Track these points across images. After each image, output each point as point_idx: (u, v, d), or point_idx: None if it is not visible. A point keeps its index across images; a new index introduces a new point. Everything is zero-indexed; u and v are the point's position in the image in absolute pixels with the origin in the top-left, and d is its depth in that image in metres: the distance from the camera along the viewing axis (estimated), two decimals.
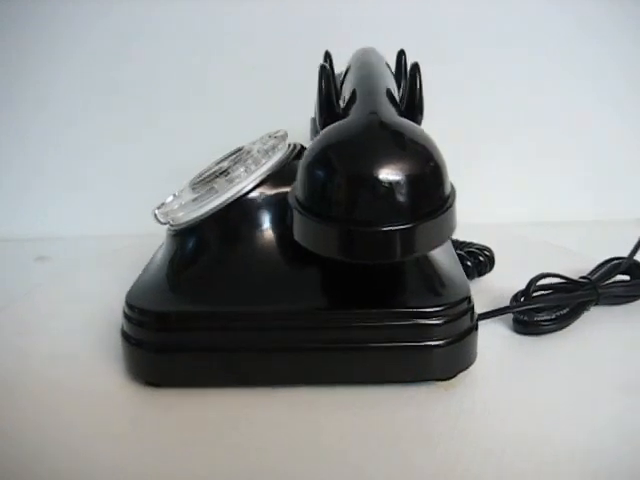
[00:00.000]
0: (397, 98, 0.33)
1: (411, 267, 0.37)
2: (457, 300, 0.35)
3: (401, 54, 0.40)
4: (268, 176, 0.37)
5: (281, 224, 0.36)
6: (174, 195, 0.39)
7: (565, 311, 0.40)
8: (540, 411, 0.34)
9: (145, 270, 0.39)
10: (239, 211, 0.37)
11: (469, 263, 0.46)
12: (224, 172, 0.37)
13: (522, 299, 0.41)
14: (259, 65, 0.60)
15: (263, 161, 0.37)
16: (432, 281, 0.36)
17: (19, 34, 0.59)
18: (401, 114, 0.31)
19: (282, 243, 0.36)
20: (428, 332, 0.34)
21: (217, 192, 0.36)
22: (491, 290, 0.45)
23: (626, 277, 0.44)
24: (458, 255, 0.46)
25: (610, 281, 0.43)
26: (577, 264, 0.46)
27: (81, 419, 0.34)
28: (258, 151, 0.38)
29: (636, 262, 0.44)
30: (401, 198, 0.28)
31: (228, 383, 0.36)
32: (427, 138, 0.30)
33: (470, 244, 0.49)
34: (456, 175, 0.51)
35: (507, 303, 0.42)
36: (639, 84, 0.62)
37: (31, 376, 0.38)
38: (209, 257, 0.38)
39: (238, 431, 0.33)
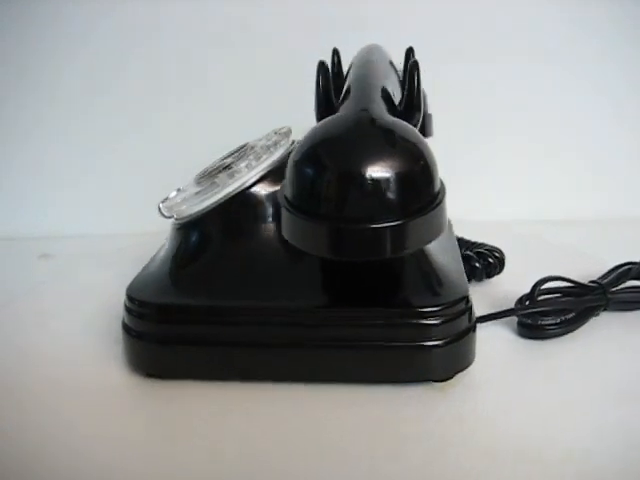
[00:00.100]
0: (396, 96, 0.33)
1: (410, 266, 0.36)
2: (454, 300, 0.35)
3: (409, 52, 0.39)
4: (269, 172, 0.37)
5: None
6: (178, 189, 0.39)
7: (571, 315, 0.39)
8: (536, 416, 0.33)
9: (148, 264, 0.40)
10: (240, 205, 0.37)
11: (477, 264, 0.45)
12: (227, 167, 0.38)
13: (527, 302, 0.40)
14: (266, 61, 0.60)
15: (264, 157, 0.37)
16: (430, 280, 0.36)
17: (21, 34, 0.60)
18: (395, 112, 0.31)
19: (283, 238, 0.36)
20: (424, 331, 0.34)
21: (218, 186, 0.37)
22: (499, 292, 0.45)
23: (638, 282, 0.43)
24: (466, 256, 0.46)
25: (621, 286, 0.42)
26: (590, 266, 0.45)
27: (81, 410, 0.35)
28: (261, 147, 0.38)
29: None
30: (389, 195, 0.28)
31: (227, 377, 0.36)
32: (416, 135, 0.29)
33: (480, 245, 0.49)
34: (456, 174, 0.51)
35: (513, 306, 0.41)
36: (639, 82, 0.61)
37: (33, 369, 0.39)
38: (211, 250, 0.38)
39: (236, 425, 0.33)
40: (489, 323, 0.40)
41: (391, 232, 0.29)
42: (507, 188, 0.63)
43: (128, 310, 0.37)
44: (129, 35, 0.60)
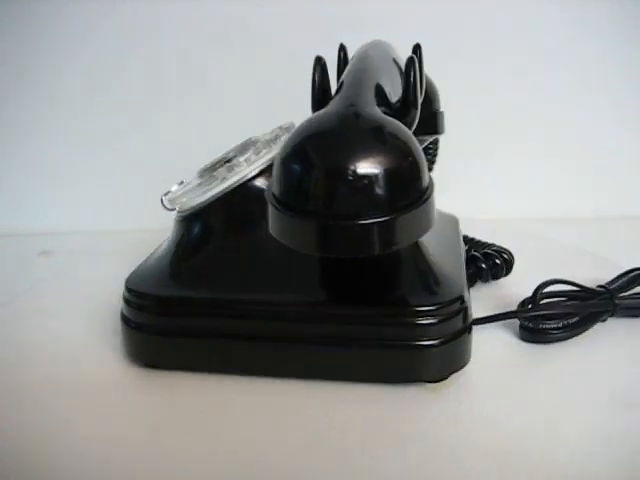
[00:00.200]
0: (394, 93, 0.33)
1: (407, 264, 0.36)
2: (449, 300, 0.34)
3: (416, 49, 0.39)
4: (269, 166, 0.37)
5: None
6: (181, 182, 0.40)
7: (574, 320, 0.38)
8: (531, 419, 0.32)
9: (148, 257, 0.40)
10: (241, 198, 0.38)
11: (483, 265, 0.44)
12: (228, 161, 0.38)
13: (529, 305, 0.39)
14: (266, 61, 0.60)
15: (264, 151, 0.37)
16: (426, 279, 0.36)
17: (21, 34, 0.60)
18: (389, 108, 0.31)
19: None
20: (418, 331, 0.33)
21: (217, 179, 0.37)
22: (505, 294, 0.44)
23: None
24: (472, 256, 0.45)
25: (630, 292, 0.40)
26: (602, 269, 0.44)
27: (80, 402, 0.35)
28: (262, 142, 0.38)
29: None
30: (375, 191, 0.28)
31: (223, 370, 0.36)
32: (402, 130, 0.29)
33: (490, 245, 0.48)
34: (457, 173, 0.51)
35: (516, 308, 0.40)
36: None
37: (33, 364, 0.39)
38: (211, 243, 0.38)
39: (230, 418, 0.33)
40: (491, 325, 0.39)
41: (379, 228, 0.28)
42: (517, 186, 0.63)
43: (127, 301, 0.37)
44: (129, 34, 0.61)
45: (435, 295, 0.34)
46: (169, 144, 0.62)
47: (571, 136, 0.62)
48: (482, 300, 0.43)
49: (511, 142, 0.63)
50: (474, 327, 0.37)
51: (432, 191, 0.29)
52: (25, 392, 0.36)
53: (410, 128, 0.33)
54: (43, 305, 0.47)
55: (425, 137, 0.48)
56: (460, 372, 0.35)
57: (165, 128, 0.62)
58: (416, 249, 0.36)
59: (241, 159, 0.37)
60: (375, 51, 0.36)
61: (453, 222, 0.47)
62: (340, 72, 0.38)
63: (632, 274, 0.41)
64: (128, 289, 0.37)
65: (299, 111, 0.36)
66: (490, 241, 0.49)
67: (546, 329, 0.38)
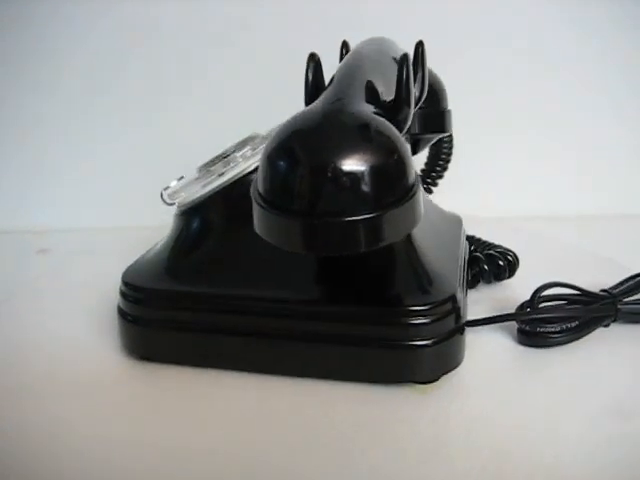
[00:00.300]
0: (384, 91, 0.32)
1: (400, 263, 0.36)
2: (442, 299, 0.34)
3: (418, 46, 0.38)
4: None
5: None
6: (181, 177, 0.40)
7: (574, 324, 0.37)
8: (518, 423, 0.32)
9: (146, 252, 0.41)
10: (237, 194, 0.37)
11: (485, 266, 0.44)
12: (226, 157, 0.38)
13: (528, 309, 0.38)
14: (266, 61, 0.60)
15: (261, 147, 0.37)
16: (420, 279, 0.35)
17: (22, 31, 0.61)
18: (379, 106, 0.30)
19: None
20: (409, 330, 0.33)
21: (213, 175, 0.37)
22: (508, 295, 0.43)
23: None
24: (474, 257, 0.44)
25: (633, 298, 0.39)
26: (609, 272, 0.43)
27: (76, 394, 0.35)
28: (261, 138, 0.38)
29: None
30: (360, 187, 0.27)
31: (219, 364, 0.37)
32: (387, 127, 0.29)
33: (494, 246, 0.47)
34: (458, 172, 0.50)
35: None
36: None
37: (31, 359, 0.39)
38: (208, 238, 0.39)
39: (225, 413, 0.34)
40: (490, 328, 0.39)
41: (364, 225, 0.28)
42: (523, 184, 0.63)
43: (123, 295, 0.38)
44: (129, 33, 0.61)
45: (427, 295, 0.34)
46: (168, 142, 0.62)
47: (573, 134, 0.62)
48: (483, 302, 0.43)
49: (513, 140, 0.62)
50: (472, 329, 0.37)
51: (418, 188, 0.29)
52: (23, 389, 0.36)
53: (403, 126, 0.32)
54: (41, 303, 0.47)
55: (432, 135, 0.48)
56: (453, 373, 0.35)
57: (164, 126, 0.63)
58: (410, 248, 0.36)
59: (238, 154, 0.37)
60: (371, 48, 0.36)
61: (456, 222, 0.46)
62: None
63: (636, 279, 0.40)
64: (125, 282, 0.38)
65: (300, 109, 0.36)
66: (496, 242, 0.48)
67: (544, 333, 0.37)
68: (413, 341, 0.33)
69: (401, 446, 0.31)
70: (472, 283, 0.44)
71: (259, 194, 0.30)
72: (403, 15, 0.59)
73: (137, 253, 0.41)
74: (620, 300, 0.39)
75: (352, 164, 0.27)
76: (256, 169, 0.37)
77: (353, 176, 0.27)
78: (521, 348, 0.38)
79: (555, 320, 0.37)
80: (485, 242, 0.48)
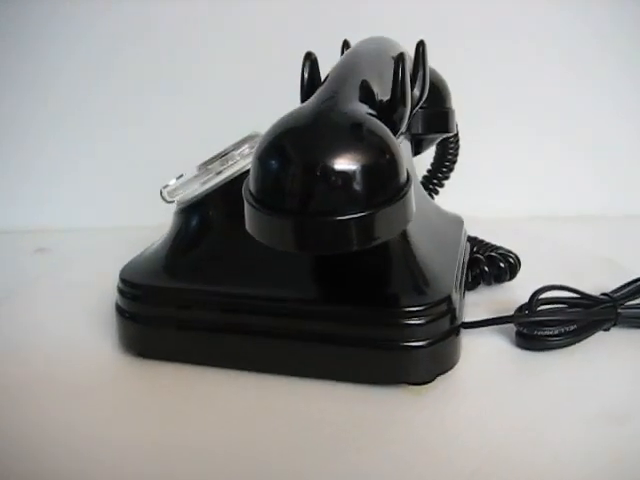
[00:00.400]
0: (380, 91, 0.32)
1: (397, 263, 0.36)
2: (437, 300, 0.34)
3: (419, 45, 0.38)
4: None
5: None
6: (180, 175, 0.40)
7: (572, 328, 0.37)
8: (511, 426, 0.31)
9: (145, 249, 0.41)
10: (236, 192, 0.37)
11: (486, 268, 0.43)
12: (224, 155, 0.38)
13: (526, 311, 0.38)
14: (266, 61, 0.60)
15: None
16: (415, 279, 0.35)
17: (19, 31, 0.61)
18: (374, 105, 0.30)
19: None
20: (403, 331, 0.33)
21: (211, 173, 0.37)
22: (509, 297, 0.43)
23: None
24: (475, 259, 0.44)
25: (634, 302, 0.39)
26: (610, 275, 0.43)
27: (75, 390, 0.36)
28: (259, 136, 0.38)
29: None
30: (351, 186, 0.27)
31: (215, 362, 0.37)
32: (378, 126, 0.29)
33: (496, 248, 0.47)
34: (459, 172, 0.50)
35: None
36: None
37: (30, 358, 0.39)
38: (206, 236, 0.39)
39: (221, 411, 0.34)
40: (488, 330, 0.39)
41: (355, 224, 0.28)
42: (526, 185, 0.63)
43: (121, 292, 0.38)
44: (127, 31, 0.61)
45: (423, 295, 0.34)
46: (168, 141, 0.62)
47: (574, 135, 0.62)
48: (483, 303, 0.43)
49: (514, 141, 0.62)
50: (469, 331, 0.37)
51: (410, 187, 0.29)
52: (22, 387, 0.36)
53: (399, 125, 0.32)
54: (40, 302, 0.47)
55: (435, 135, 0.48)
56: (448, 374, 0.35)
57: (164, 125, 0.63)
58: (407, 248, 0.36)
59: (236, 153, 0.37)
60: (369, 47, 0.36)
61: (457, 222, 0.46)
62: None
63: (638, 283, 0.39)
64: (122, 279, 0.38)
65: None
66: (498, 243, 0.48)
67: (542, 336, 0.37)
68: (408, 342, 0.33)
69: (395, 447, 0.31)
70: (473, 285, 0.44)
71: (250, 194, 0.30)
72: (404, 13, 0.59)
73: (136, 252, 0.41)
74: (621, 304, 0.38)
75: (343, 163, 0.27)
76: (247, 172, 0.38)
77: (344, 175, 0.27)
78: (519, 351, 0.38)
79: (553, 323, 0.37)
80: (487, 244, 0.48)
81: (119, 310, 0.38)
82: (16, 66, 0.62)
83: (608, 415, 0.32)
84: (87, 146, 0.64)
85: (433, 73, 0.43)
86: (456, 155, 0.51)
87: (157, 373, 0.37)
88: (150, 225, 0.45)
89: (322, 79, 0.34)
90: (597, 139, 0.62)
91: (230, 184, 0.38)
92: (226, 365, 0.36)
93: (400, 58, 0.31)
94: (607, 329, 0.39)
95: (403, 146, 0.38)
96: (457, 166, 0.50)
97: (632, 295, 0.39)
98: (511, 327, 0.39)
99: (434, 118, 0.45)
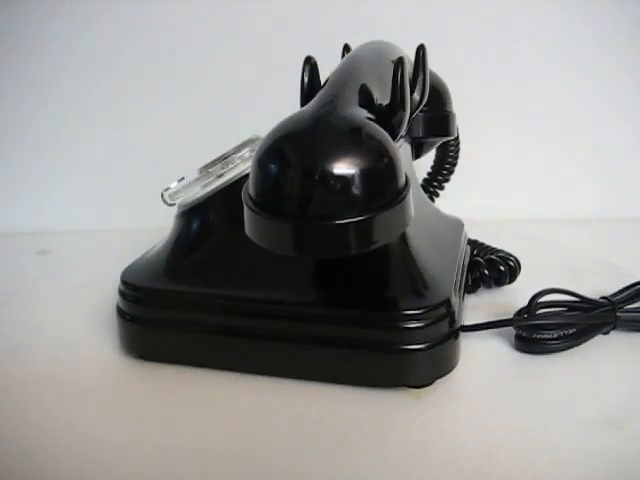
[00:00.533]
0: (379, 95, 0.32)
1: (396, 266, 0.36)
2: (436, 303, 0.34)
3: (419, 49, 0.38)
4: None
5: None
6: (182, 178, 0.41)
7: (571, 331, 0.37)
8: (510, 429, 0.32)
9: (146, 252, 0.41)
10: (236, 195, 0.37)
11: (486, 271, 0.43)
12: (225, 158, 0.38)
13: (525, 315, 0.38)
14: (266, 61, 0.60)
15: None
16: (415, 282, 0.35)
17: (18, 31, 0.61)
18: (373, 110, 0.30)
19: None
20: (403, 334, 0.33)
21: (212, 176, 0.38)
22: (510, 301, 0.43)
23: None
24: (475, 262, 0.44)
25: (634, 305, 0.39)
26: (610, 278, 0.43)
27: (76, 391, 0.36)
28: (260, 140, 0.38)
29: None
30: (350, 190, 0.27)
31: (216, 365, 0.37)
32: (377, 130, 0.29)
33: (497, 251, 0.47)
34: (459, 174, 0.50)
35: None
36: None
37: (30, 359, 0.40)
38: (207, 239, 0.39)
39: (220, 413, 0.34)
40: (488, 333, 0.39)
41: (354, 228, 0.28)
42: (527, 186, 0.63)
43: (122, 294, 0.38)
44: (129, 32, 0.61)
45: (422, 298, 0.34)
46: (169, 143, 0.62)
47: (575, 137, 0.62)
48: (482, 307, 0.43)
49: (515, 141, 0.62)
50: (469, 334, 0.37)
51: (408, 191, 0.29)
52: (23, 388, 0.37)
53: (398, 130, 0.32)
54: (41, 304, 0.47)
55: (436, 139, 0.48)
56: (447, 378, 0.35)
57: (165, 127, 0.63)
58: (406, 252, 0.36)
59: (236, 156, 0.37)
60: (369, 51, 0.36)
61: (457, 226, 0.46)
62: None
63: (638, 287, 0.40)
64: (124, 282, 0.38)
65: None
66: (498, 246, 0.48)
67: (541, 339, 0.37)
68: (407, 345, 0.33)
69: (394, 449, 0.31)
70: (473, 288, 0.44)
71: (250, 197, 0.30)
72: (404, 13, 0.59)
73: (137, 255, 0.41)
74: (620, 307, 0.38)
75: (342, 167, 0.27)
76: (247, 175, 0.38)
77: (343, 179, 0.27)
78: (518, 354, 0.38)
79: (552, 327, 0.37)
80: (488, 247, 0.48)
81: (120, 312, 0.38)
82: (16, 66, 0.62)
83: (607, 418, 0.32)
84: (89, 148, 0.64)
85: (433, 76, 0.43)
86: (456, 158, 0.51)
87: (158, 375, 0.37)
88: (151, 227, 0.45)
89: (322, 82, 0.34)
90: (597, 141, 0.62)
91: (230, 187, 0.38)
92: (226, 367, 0.37)
93: (399, 62, 0.31)
94: (606, 332, 0.39)
95: (403, 150, 0.39)
96: (457, 168, 0.50)
97: (631, 299, 0.39)
98: (510, 330, 0.39)
99: (434, 122, 0.45)
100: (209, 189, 0.38)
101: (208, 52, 0.62)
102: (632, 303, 0.39)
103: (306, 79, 0.33)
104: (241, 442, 0.32)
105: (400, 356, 0.33)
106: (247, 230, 0.31)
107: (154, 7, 0.60)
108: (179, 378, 0.37)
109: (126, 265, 0.40)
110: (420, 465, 0.30)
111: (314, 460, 0.30)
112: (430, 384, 0.34)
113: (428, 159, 0.51)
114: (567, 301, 0.39)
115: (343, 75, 0.32)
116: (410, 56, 0.40)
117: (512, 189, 0.63)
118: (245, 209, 0.30)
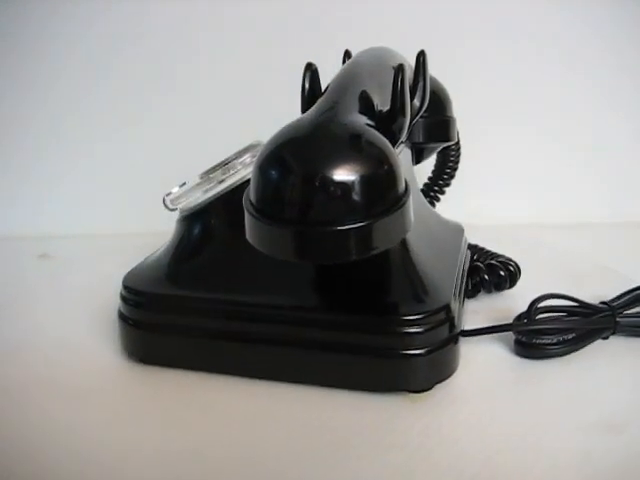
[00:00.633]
0: (380, 101, 0.33)
1: (396, 272, 0.36)
2: (435, 309, 0.34)
3: (420, 55, 0.39)
4: None
5: None
6: (184, 184, 0.41)
7: (571, 336, 0.37)
8: (508, 433, 0.32)
9: (148, 256, 0.41)
10: (237, 200, 0.38)
11: (486, 276, 0.44)
12: (227, 164, 0.39)
13: (525, 320, 0.38)
14: (266, 62, 0.60)
15: None
16: (414, 287, 0.35)
17: (18, 32, 0.61)
18: (373, 116, 0.31)
19: None
20: (402, 339, 0.33)
21: (213, 181, 0.38)
22: (510, 306, 0.43)
23: None
24: (475, 267, 0.44)
25: (633, 310, 0.39)
26: (610, 284, 0.43)
27: (77, 395, 0.36)
28: (261, 145, 0.38)
29: None
30: (350, 197, 0.28)
31: (218, 369, 0.37)
32: (376, 137, 0.29)
33: (497, 256, 0.47)
34: (459, 179, 0.50)
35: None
36: None
37: (31, 362, 0.40)
38: (209, 243, 0.39)
39: (222, 417, 0.34)
40: (487, 338, 0.39)
41: (354, 234, 0.28)
42: (527, 191, 0.63)
43: (124, 299, 0.38)
44: (131, 35, 0.61)
45: (422, 304, 0.34)
46: (170, 147, 0.62)
47: (575, 141, 0.62)
48: (482, 311, 0.43)
49: (514, 141, 0.62)
50: (468, 339, 0.37)
51: (408, 197, 0.29)
52: (24, 393, 0.37)
53: (399, 136, 0.33)
54: (42, 307, 0.47)
55: (436, 144, 0.48)
56: (447, 382, 0.35)
57: (167, 132, 0.62)
58: (406, 257, 0.36)
59: (238, 162, 0.38)
60: (370, 57, 0.36)
61: (457, 231, 0.46)
62: None
63: (637, 292, 0.40)
64: (125, 286, 0.39)
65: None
66: (498, 251, 0.48)
67: (540, 344, 0.37)
68: (406, 350, 0.33)
69: (394, 454, 0.31)
70: (473, 293, 0.44)
71: (251, 203, 0.30)
72: (404, 13, 0.59)
73: (138, 259, 0.42)
74: (619, 313, 0.38)
75: (342, 173, 0.28)
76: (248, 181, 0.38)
77: (343, 185, 0.28)
78: (517, 359, 0.38)
79: (551, 332, 0.37)
80: (488, 252, 0.48)
81: (122, 317, 0.39)
82: (16, 66, 0.62)
83: (606, 423, 0.32)
84: (90, 152, 0.64)
85: (434, 82, 0.44)
86: (457, 163, 0.51)
87: (159, 379, 0.37)
88: (153, 232, 0.45)
89: (323, 87, 0.35)
90: (597, 143, 0.62)
91: (232, 193, 0.38)
92: (227, 372, 0.37)
93: (400, 69, 0.31)
94: (606, 337, 0.39)
95: (403, 155, 0.39)
96: (457, 173, 0.50)
97: (631, 304, 0.39)
98: (510, 335, 0.39)
99: (435, 127, 0.46)
100: (210, 194, 0.38)
101: (208, 54, 0.62)
102: (631, 308, 0.39)
103: (307, 85, 0.33)
104: (241, 446, 0.32)
105: (400, 361, 0.34)
106: (248, 235, 0.31)
107: (154, 7, 0.60)
108: (180, 382, 0.37)
109: (127, 269, 0.40)
110: (420, 470, 0.30)
111: (314, 464, 0.30)
112: (430, 389, 0.35)
113: (429, 164, 0.51)
114: (567, 306, 0.39)
115: (344, 81, 0.33)
116: (410, 61, 0.40)
117: (512, 189, 0.63)
118: (246, 215, 0.30)
